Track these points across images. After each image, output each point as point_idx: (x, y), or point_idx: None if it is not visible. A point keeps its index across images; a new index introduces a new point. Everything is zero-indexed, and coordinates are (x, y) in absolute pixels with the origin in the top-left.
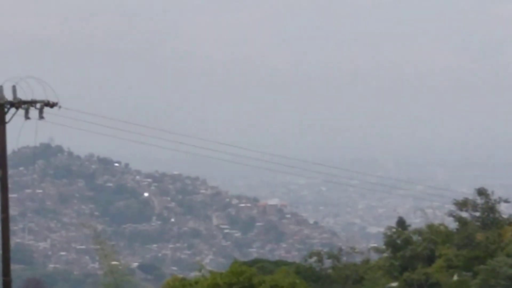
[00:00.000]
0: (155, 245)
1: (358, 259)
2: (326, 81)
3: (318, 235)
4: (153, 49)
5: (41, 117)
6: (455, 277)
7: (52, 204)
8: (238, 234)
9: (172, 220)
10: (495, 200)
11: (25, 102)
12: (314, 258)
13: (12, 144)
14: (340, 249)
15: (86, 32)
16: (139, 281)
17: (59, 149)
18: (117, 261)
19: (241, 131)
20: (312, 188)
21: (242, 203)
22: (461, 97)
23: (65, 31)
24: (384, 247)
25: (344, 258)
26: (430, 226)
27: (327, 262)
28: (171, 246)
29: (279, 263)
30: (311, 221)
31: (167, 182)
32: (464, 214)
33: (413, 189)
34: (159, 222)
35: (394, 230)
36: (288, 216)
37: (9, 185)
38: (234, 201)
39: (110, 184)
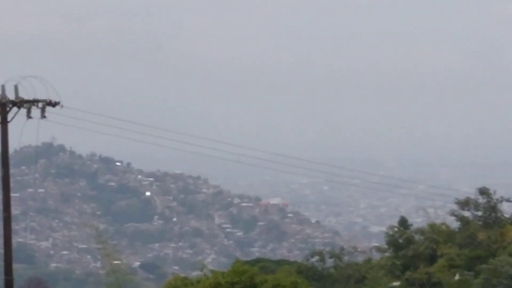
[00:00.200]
0: (157, 245)
1: (360, 259)
2: (328, 80)
3: (320, 234)
4: (155, 49)
5: (43, 116)
6: (457, 277)
7: (54, 203)
8: (240, 234)
9: (174, 219)
10: (497, 199)
11: (27, 101)
12: (316, 258)
13: (14, 143)
14: (342, 249)
15: (88, 31)
16: (140, 280)
17: (61, 148)
18: (119, 260)
19: (243, 130)
20: (314, 188)
21: (244, 203)
22: (463, 96)
23: (67, 30)
24: (386, 246)
25: (346, 258)
26: (432, 226)
27: (329, 262)
28: (173, 245)
29: (281, 263)
30: (313, 221)
31: (169, 182)
32: (466, 214)
33: (415, 188)
34: (161, 222)
35: (396, 229)
36: (290, 215)
37: (11, 184)
38: (236, 201)
39: (112, 184)
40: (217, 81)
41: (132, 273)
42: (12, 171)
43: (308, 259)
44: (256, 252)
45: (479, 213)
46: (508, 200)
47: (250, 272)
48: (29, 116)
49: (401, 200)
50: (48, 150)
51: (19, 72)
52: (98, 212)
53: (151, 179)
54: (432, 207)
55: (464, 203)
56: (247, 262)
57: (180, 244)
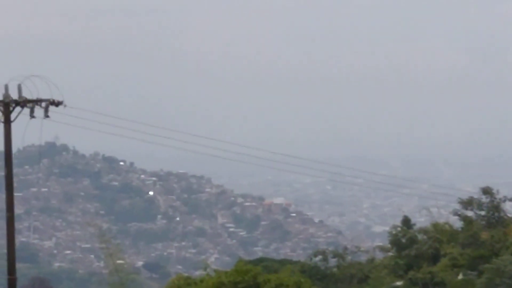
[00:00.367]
0: (160, 244)
1: (363, 258)
2: (332, 79)
3: (323, 234)
4: (159, 48)
5: (46, 115)
6: (460, 276)
7: (57, 202)
8: (243, 233)
9: (177, 219)
10: (500, 199)
11: (30, 101)
12: (319, 257)
13: (17, 143)
14: (345, 248)
15: (91, 31)
16: (144, 280)
17: (64, 147)
18: (122, 260)
19: (246, 129)
20: (318, 187)
21: (247, 202)
22: (466, 96)
23: (70, 30)
24: (389, 246)
25: (349, 257)
26: (435, 225)
27: (332, 261)
28: (176, 245)
29: (284, 262)
30: (316, 220)
31: (172, 181)
32: (469, 213)
33: (418, 188)
34: (164, 221)
35: (399, 229)
36: (293, 215)
37: (14, 184)
38: (239, 200)
39: (115, 183)
40: (220, 81)
41: (136, 273)
42: (15, 170)
43: (311, 259)
44: (259, 251)
45: (482, 213)
46: (511, 200)
47: (253, 271)
48: (32, 115)
49: (404, 200)
50: (51, 150)
51: (22, 71)
52: (101, 212)
53: (154, 178)
54: (435, 206)
55: (467, 203)
56: (250, 262)
57: (183, 243)
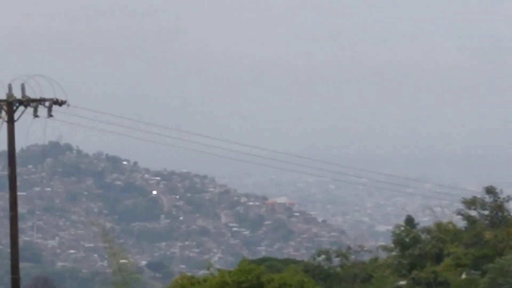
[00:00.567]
0: (163, 243)
1: (366, 258)
2: (335, 79)
3: (326, 233)
4: (162, 48)
5: (50, 115)
6: (464, 276)
7: (61, 202)
8: (246, 232)
9: (181, 218)
10: (503, 198)
11: (34, 100)
12: (323, 257)
13: (21, 142)
14: (349, 248)
15: (95, 30)
16: (147, 279)
17: (68, 147)
18: (125, 259)
19: (249, 129)
20: (321, 186)
21: (251, 202)
22: (469, 95)
23: (74, 29)
24: (392, 245)
25: (353, 257)
26: (439, 225)
27: (336, 261)
28: (179, 244)
29: (287, 262)
30: (320, 220)
31: (175, 180)
32: (473, 213)
33: (422, 187)
34: (167, 220)
35: (402, 228)
36: (297, 214)
37: (18, 183)
38: (243, 199)
39: (119, 182)
40: (223, 80)
41: (139, 272)
42: (18, 170)
43: (314, 258)
44: (262, 251)
45: (486, 212)
46: None
47: (256, 271)
48: (35, 115)
49: (407, 199)
50: (55, 149)
51: (26, 71)
52: (105, 211)
53: (157, 178)
54: (439, 206)
55: (471, 202)
56: (254, 261)
57: (186, 243)
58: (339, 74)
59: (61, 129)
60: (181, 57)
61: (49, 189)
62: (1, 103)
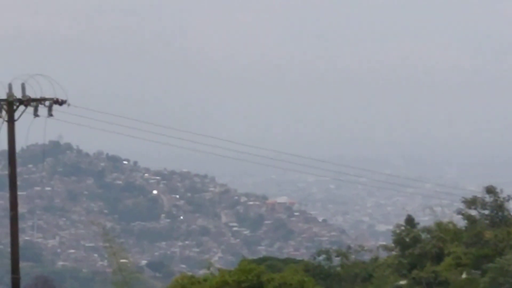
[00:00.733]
0: (163, 243)
1: (366, 257)
2: (335, 78)
3: (326, 233)
4: (162, 47)
5: (50, 114)
6: (464, 275)
7: (61, 201)
8: (246, 232)
9: (181, 218)
10: (504, 198)
11: (34, 100)
12: (323, 256)
13: (21, 142)
14: (349, 247)
15: (95, 30)
16: (147, 278)
17: (68, 146)
18: (125, 259)
19: (249, 129)
20: (321, 186)
21: (251, 201)
22: (469, 95)
23: (74, 29)
24: (392, 245)
25: (353, 256)
26: (439, 224)
27: (336, 260)
28: (179, 244)
29: (287, 261)
30: (320, 219)
31: (175, 180)
32: (473, 212)
33: (422, 187)
34: (167, 220)
35: (402, 228)
36: (297, 214)
37: (18, 183)
38: (243, 199)
39: (119, 182)
40: (223, 80)
41: (139, 272)
42: (19, 169)
43: (314, 258)
44: (262, 250)
45: (486, 212)
46: None
47: (256, 270)
48: (36, 114)
49: (408, 199)
50: (55, 149)
51: (26, 70)
52: (105, 211)
53: (158, 177)
54: (439, 205)
55: (471, 202)
56: (254, 261)
57: (187, 242)
58: (339, 74)
59: (61, 129)
60: (181, 57)
61: (49, 188)
62: (2, 103)
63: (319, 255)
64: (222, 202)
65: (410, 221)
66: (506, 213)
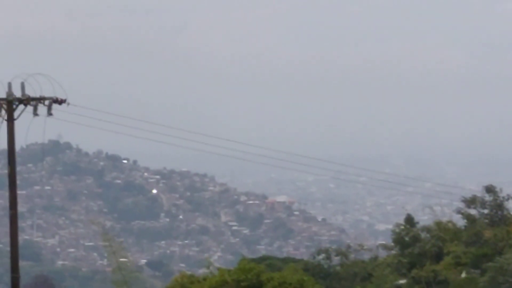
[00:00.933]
0: (163, 242)
1: (366, 256)
2: (335, 78)
3: (326, 232)
4: (162, 47)
5: (49, 114)
6: (463, 275)
7: (61, 200)
8: (246, 231)
9: (180, 217)
10: (503, 197)
11: (33, 99)
12: (322, 255)
13: (20, 141)
14: (348, 246)
15: (94, 29)
16: (147, 278)
17: (68, 145)
18: (125, 258)
19: (249, 128)
20: (321, 185)
21: (251, 200)
22: (469, 94)
23: (74, 28)
24: (392, 244)
25: (352, 255)
26: (439, 224)
27: (335, 259)
28: (179, 243)
29: (287, 260)
30: (320, 218)
31: (175, 179)
32: (473, 212)
33: (422, 186)
34: (167, 219)
35: (402, 227)
36: (296, 213)
37: (18, 182)
38: (243, 198)
39: (119, 181)
40: (223, 79)
41: (139, 271)
42: (18, 168)
43: (314, 257)
44: (262, 249)
45: (486, 211)
46: None
47: (256, 269)
48: (35, 113)
49: (407, 198)
50: (55, 148)
51: (26, 69)
52: (105, 210)
53: (157, 176)
54: (439, 205)
55: (471, 201)
56: (254, 260)
57: (186, 241)
58: (339, 73)
59: (60, 128)
60: (181, 56)
61: (49, 187)
62: (1, 102)
63: (318, 254)
64: (221, 201)
65: (409, 220)
66: (505, 212)
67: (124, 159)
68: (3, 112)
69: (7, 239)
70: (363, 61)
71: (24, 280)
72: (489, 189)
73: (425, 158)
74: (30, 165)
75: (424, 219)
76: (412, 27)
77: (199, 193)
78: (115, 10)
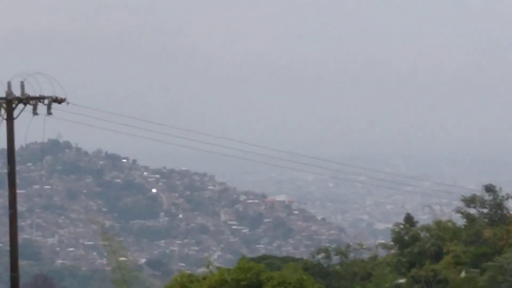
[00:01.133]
0: (163, 241)
1: (365, 256)
2: (334, 77)
3: (325, 231)
4: (161, 46)
5: (49, 113)
6: (463, 274)
7: (60, 200)
8: (246, 230)
9: (180, 216)
10: (503, 196)
11: (33, 98)
12: (322, 255)
13: (20, 140)
14: (348, 246)
15: (94, 29)
16: (146, 277)
17: (67, 145)
18: (125, 257)
19: (248, 127)
20: (320, 185)
21: (250, 199)
22: (469, 94)
23: (74, 27)
24: (391, 243)
25: (352, 255)
26: (438, 223)
27: (335, 259)
28: (179, 242)
29: (286, 259)
30: (319, 218)
31: (175, 178)
32: (472, 211)
33: (421, 185)
34: (167, 218)
35: (401, 226)
36: (296, 212)
37: (17, 181)
38: (242, 197)
39: (118, 180)
40: (223, 79)
41: (138, 270)
42: (18, 167)
43: (314, 256)
44: (262, 249)
45: (485, 211)
46: None
47: (256, 269)
48: (35, 112)
49: (407, 198)
50: (54, 147)
51: (25, 68)
52: (104, 209)
53: (157, 176)
54: (438, 204)
55: (470, 201)
56: (253, 259)
57: (186, 241)
58: (338, 73)
59: (60, 127)
60: (181, 55)
61: (48, 187)
62: (1, 101)
63: (318, 253)
64: (221, 201)
65: (409, 219)
66: (505, 211)
67: (124, 158)
68: (3, 111)
69: (6, 238)
70: (363, 61)
71: (23, 279)
72: (489, 189)
73: (424, 158)
74: (29, 164)
75: (423, 218)
76: (412, 27)
77: (199, 192)
78: (115, 10)
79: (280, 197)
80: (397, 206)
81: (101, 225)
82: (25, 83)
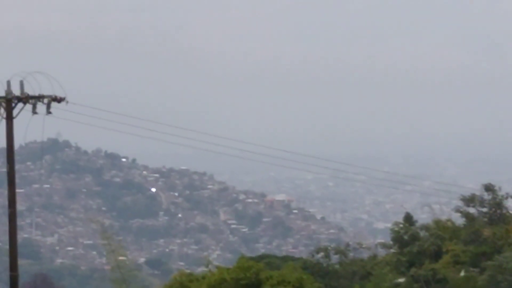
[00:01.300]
0: (162, 240)
1: (365, 255)
2: (334, 77)
3: (325, 230)
4: (160, 46)
5: (48, 112)
6: (462, 273)
7: (60, 199)
8: (245, 230)
9: (179, 215)
10: (502, 196)
11: (32, 97)
12: (321, 254)
13: (19, 139)
14: (347, 245)
15: (94, 28)
16: (146, 276)
17: (67, 144)
18: (124, 256)
19: (248, 126)
20: (319, 184)
21: (249, 199)
22: (468, 93)
23: (73, 26)
24: (391, 242)
25: (351, 254)
26: (437, 222)
27: (334, 258)
28: (178, 241)
29: (286, 259)
30: (318, 217)
31: (174, 178)
32: (471, 210)
33: (421, 184)
34: (166, 218)
35: (401, 225)
36: (295, 211)
37: (17, 180)
38: (241, 197)
39: (117, 179)
40: (223, 78)
41: (137, 269)
42: (17, 167)
43: (313, 255)
44: (261, 248)
45: (484, 210)
46: None
47: (255, 268)
48: (34, 112)
49: (406, 197)
50: (54, 146)
51: (25, 67)
52: (104, 208)
53: (156, 175)
54: (437, 203)
55: (469, 200)
56: (252, 258)
57: (185, 240)
58: (337, 72)
59: (59, 126)
60: (181, 55)
61: (47, 186)
62: (0, 100)
63: (317, 252)
64: (220, 200)
65: (408, 218)
66: (504, 211)
67: (123, 158)
68: (2, 110)
69: (6, 238)
70: (362, 60)
71: (23, 278)
72: (488, 188)
73: (424, 157)
74: (29, 163)
75: (423, 217)
76: (412, 27)
77: (198, 192)
78: (115, 10)
79: (280, 196)
80: (396, 205)
81: (101, 224)
82: (25, 82)
